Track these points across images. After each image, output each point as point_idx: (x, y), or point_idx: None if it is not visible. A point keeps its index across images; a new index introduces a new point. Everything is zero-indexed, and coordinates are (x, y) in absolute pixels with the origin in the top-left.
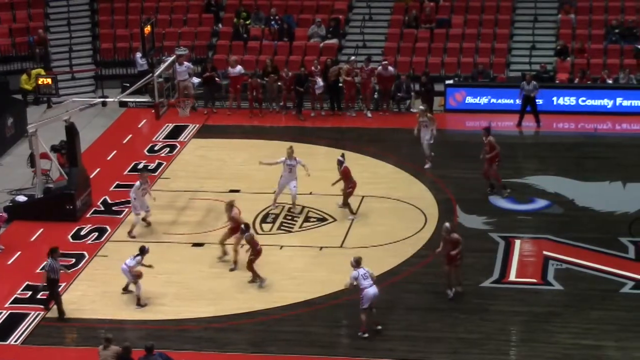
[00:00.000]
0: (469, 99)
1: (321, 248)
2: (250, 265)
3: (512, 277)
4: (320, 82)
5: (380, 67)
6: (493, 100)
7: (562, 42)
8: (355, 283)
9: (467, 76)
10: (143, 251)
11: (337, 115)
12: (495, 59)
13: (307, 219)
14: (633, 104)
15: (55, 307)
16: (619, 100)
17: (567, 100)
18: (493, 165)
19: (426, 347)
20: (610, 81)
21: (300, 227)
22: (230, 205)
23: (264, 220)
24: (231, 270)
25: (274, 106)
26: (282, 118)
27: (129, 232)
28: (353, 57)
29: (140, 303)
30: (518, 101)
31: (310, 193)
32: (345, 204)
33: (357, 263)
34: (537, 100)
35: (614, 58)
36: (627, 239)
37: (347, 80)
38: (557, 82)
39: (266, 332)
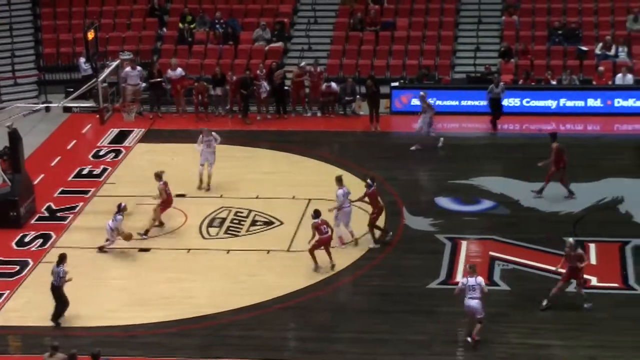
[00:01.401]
0: (415, 101)
1: (268, 251)
2: (311, 250)
3: (459, 277)
4: (265, 85)
5: (324, 86)
6: (438, 102)
7: (506, 43)
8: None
9: (412, 78)
10: (120, 208)
11: (282, 118)
12: (440, 61)
13: (253, 223)
14: (576, 105)
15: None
16: (562, 101)
17: (511, 102)
18: (553, 169)
19: (374, 349)
20: (553, 82)
21: (247, 231)
22: (158, 176)
23: (210, 225)
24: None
25: (219, 110)
26: (228, 122)
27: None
28: (303, 63)
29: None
30: (468, 103)
31: (257, 197)
32: (371, 230)
33: (471, 270)
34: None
35: (557, 59)
36: (572, 238)
37: (297, 82)
38: (502, 83)
39: (214, 336)
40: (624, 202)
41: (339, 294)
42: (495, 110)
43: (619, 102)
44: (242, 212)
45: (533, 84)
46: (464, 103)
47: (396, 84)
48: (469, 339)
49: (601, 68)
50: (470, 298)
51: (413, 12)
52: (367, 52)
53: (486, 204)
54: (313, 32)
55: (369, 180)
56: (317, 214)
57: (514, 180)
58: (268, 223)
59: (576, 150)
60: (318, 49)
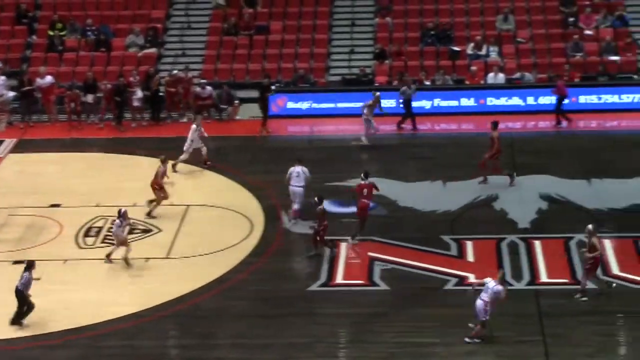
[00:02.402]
0: (290, 105)
1: (147, 259)
2: (320, 238)
3: (339, 279)
4: (139, 93)
5: (198, 89)
6: (314, 105)
7: (380, 45)
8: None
9: (287, 82)
10: (120, 214)
11: (158, 125)
12: (315, 63)
13: (131, 231)
14: (450, 105)
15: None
16: (436, 101)
17: (386, 103)
18: (492, 159)
19: (256, 354)
20: (427, 83)
21: None
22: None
23: (87, 234)
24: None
25: (91, 117)
26: (102, 129)
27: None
28: (175, 71)
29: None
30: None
31: (134, 205)
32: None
33: (500, 280)
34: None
35: (430, 60)
36: (449, 236)
37: (170, 90)
38: (376, 85)
39: (92, 347)
40: (499, 200)
41: (219, 300)
42: (409, 110)
43: (492, 101)
44: None
45: None
46: (340, 105)
47: (272, 87)
48: (466, 339)
49: (473, 68)
50: (479, 298)
51: (286, 15)
52: (242, 56)
53: None
54: (187, 37)
55: (362, 175)
56: (320, 200)
57: (391, 180)
58: (146, 230)
59: (451, 149)
60: (192, 54)
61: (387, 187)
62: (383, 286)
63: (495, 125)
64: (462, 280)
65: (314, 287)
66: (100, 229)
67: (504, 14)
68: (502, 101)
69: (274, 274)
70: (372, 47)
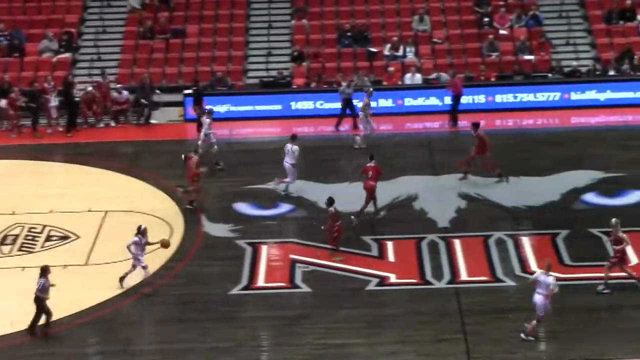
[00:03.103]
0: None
1: (65, 266)
2: (337, 239)
3: (261, 282)
4: (53, 99)
5: (115, 93)
6: (232, 108)
7: (297, 47)
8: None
9: (205, 85)
10: (139, 230)
11: (75, 130)
12: (233, 66)
13: (49, 238)
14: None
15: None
16: (354, 102)
17: (305, 105)
18: (484, 155)
19: (178, 359)
20: (345, 84)
21: (42, 246)
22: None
23: (2, 242)
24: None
25: (5, 124)
26: (17, 136)
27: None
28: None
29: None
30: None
31: (51, 211)
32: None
33: (546, 267)
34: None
35: (348, 61)
36: (370, 237)
37: (85, 97)
38: (294, 87)
39: (10, 357)
40: (418, 199)
41: (140, 305)
42: (346, 111)
43: (409, 102)
44: (35, 228)
45: (325, 86)
46: (258, 108)
47: (189, 91)
48: (522, 335)
49: (391, 69)
50: (537, 293)
51: (203, 18)
52: (158, 60)
53: (284, 207)
54: (102, 42)
55: (369, 158)
56: (331, 202)
57: (310, 182)
58: (64, 237)
59: (369, 150)
60: (108, 59)
61: (307, 189)
62: (305, 288)
63: (477, 126)
64: (383, 280)
65: (235, 290)
66: (16, 237)
67: (419, 15)
68: (420, 101)
69: (194, 278)
70: (289, 50)
